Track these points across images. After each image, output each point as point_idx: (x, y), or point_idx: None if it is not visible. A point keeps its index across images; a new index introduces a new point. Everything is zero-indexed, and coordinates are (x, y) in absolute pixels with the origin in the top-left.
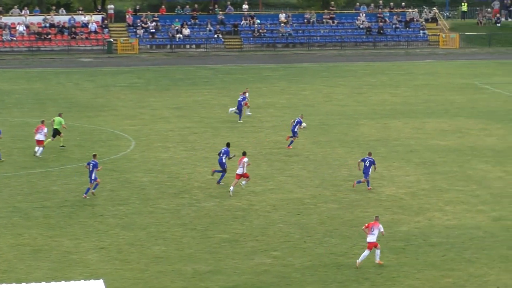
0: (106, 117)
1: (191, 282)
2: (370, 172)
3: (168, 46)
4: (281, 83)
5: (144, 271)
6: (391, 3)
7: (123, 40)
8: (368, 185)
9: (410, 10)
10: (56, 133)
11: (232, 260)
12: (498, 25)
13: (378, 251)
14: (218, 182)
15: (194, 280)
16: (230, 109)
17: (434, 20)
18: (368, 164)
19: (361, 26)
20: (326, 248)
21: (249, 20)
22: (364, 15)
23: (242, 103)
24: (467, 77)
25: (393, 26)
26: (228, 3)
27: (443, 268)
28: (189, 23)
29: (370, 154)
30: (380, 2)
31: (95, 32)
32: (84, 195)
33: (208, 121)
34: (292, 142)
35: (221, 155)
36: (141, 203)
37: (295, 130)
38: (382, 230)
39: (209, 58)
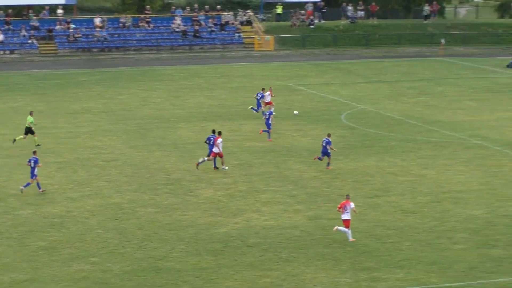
0: None
1: None
2: (329, 151)
3: None
4: (98, 88)
5: None
6: (206, 6)
7: None
8: (328, 165)
9: (225, 13)
10: (28, 131)
11: (50, 268)
12: (312, 27)
13: (343, 229)
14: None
15: None
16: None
17: (249, 23)
18: (324, 144)
19: (176, 29)
20: (145, 252)
21: (64, 25)
22: (179, 18)
23: (260, 101)
24: (282, 78)
25: (209, 29)
26: (46, 8)
27: (261, 268)
28: (3, 28)
29: (329, 135)
30: (196, 5)
31: None
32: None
33: (23, 128)
34: (269, 134)
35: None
36: None
37: (269, 122)
38: (353, 207)
39: (23, 64)
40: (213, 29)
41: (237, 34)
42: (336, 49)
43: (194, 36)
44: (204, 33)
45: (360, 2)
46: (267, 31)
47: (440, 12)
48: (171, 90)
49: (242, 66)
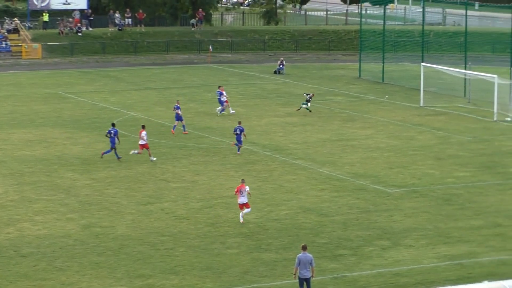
0: None
1: None
2: (242, 139)
3: None
4: None
5: None
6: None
7: None
8: (238, 150)
9: None
10: None
11: None
12: (80, 34)
13: (247, 210)
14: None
15: None
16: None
17: (16, 30)
18: (239, 132)
19: None
20: None
21: None
22: None
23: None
24: (51, 86)
25: None
26: None
27: (36, 278)
28: None
29: (240, 123)
30: None
31: None
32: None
33: None
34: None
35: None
36: None
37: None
38: (248, 190)
39: None
40: None
41: (4, 43)
42: (104, 56)
43: None
44: None
45: (128, 10)
46: (34, 39)
47: (207, 19)
48: None
49: (10, 74)
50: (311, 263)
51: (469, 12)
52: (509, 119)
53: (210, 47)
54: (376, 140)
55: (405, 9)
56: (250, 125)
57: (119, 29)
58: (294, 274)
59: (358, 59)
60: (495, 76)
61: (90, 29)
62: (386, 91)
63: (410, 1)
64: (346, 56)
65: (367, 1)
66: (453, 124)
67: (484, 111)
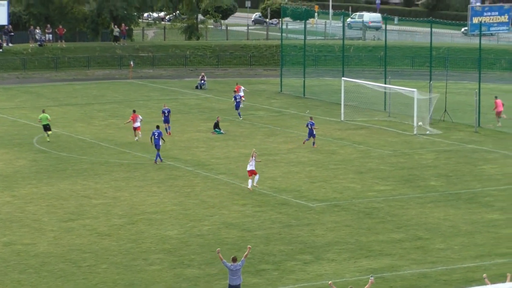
0: None
1: None
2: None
3: None
4: None
5: None
6: None
7: None
8: (313, 144)
9: None
10: (46, 128)
11: None
12: (0, 50)
13: (257, 177)
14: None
15: None
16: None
17: None
18: (310, 126)
19: None
20: None
21: None
22: None
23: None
24: None
25: None
26: None
27: None
28: None
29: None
30: None
31: None
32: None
33: None
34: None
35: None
36: None
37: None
38: (255, 158)
39: None
40: None
41: None
42: (25, 72)
43: None
44: None
45: (48, 25)
46: None
47: (129, 35)
48: None
49: None
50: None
51: (389, 27)
52: (428, 132)
53: (132, 63)
54: (298, 155)
55: (325, 24)
56: (172, 140)
57: (39, 45)
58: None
59: (280, 74)
60: (415, 90)
61: (11, 45)
62: (308, 106)
63: (330, 16)
64: (268, 71)
65: (287, 16)
66: (374, 138)
67: (404, 125)
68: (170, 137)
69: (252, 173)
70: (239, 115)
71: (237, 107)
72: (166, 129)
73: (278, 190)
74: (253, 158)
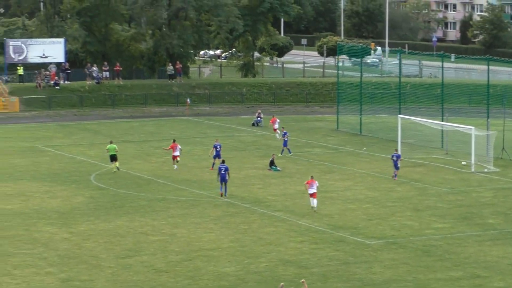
0: None
1: None
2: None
3: None
4: None
5: None
6: None
7: None
8: (395, 177)
9: None
10: (113, 158)
11: None
12: (57, 88)
13: (315, 200)
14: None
15: None
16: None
17: None
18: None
19: None
20: None
21: None
22: None
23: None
24: (28, 140)
25: None
26: None
27: None
28: None
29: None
30: None
31: None
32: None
33: None
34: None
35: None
36: None
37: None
38: (317, 184)
39: None
40: None
41: None
42: (82, 109)
43: None
44: None
45: (105, 63)
46: (12, 92)
47: (185, 72)
48: None
49: None
50: None
51: (445, 64)
52: (486, 170)
53: (188, 100)
54: (355, 192)
55: (381, 61)
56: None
57: (96, 82)
58: None
59: (336, 111)
60: (472, 127)
61: (68, 82)
62: (364, 143)
63: (386, 54)
64: (324, 108)
65: (344, 54)
66: (431, 176)
67: (461, 163)
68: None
69: (313, 196)
70: (289, 151)
71: (285, 144)
72: (213, 164)
73: (335, 227)
74: (315, 182)
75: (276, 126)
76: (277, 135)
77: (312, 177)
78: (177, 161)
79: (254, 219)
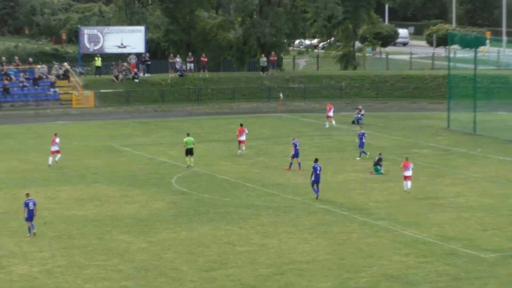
0: None
1: None
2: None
3: None
4: None
5: None
6: (16, 58)
7: None
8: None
9: (38, 66)
10: (189, 152)
11: None
12: (136, 81)
13: (409, 183)
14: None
15: None
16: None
17: (65, 76)
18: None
19: None
20: None
21: None
22: None
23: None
24: (104, 139)
25: (20, 84)
26: None
27: None
28: None
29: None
30: (3, 58)
31: None
32: None
33: None
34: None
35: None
36: None
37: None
38: (412, 166)
39: None
40: (25, 84)
41: (52, 90)
42: (164, 105)
43: (5, 92)
44: (15, 88)
45: (190, 54)
46: (86, 86)
47: (278, 64)
48: None
49: (59, 125)
50: None
51: None
52: None
53: (281, 95)
54: (468, 199)
55: (498, 52)
56: (326, 181)
57: (180, 75)
58: None
59: (447, 108)
60: None
61: (148, 75)
62: (479, 144)
63: (504, 43)
64: (433, 105)
65: (455, 44)
66: None
67: None
68: (323, 177)
69: (408, 178)
70: (365, 153)
71: (361, 145)
72: (297, 163)
73: (445, 239)
74: (411, 164)
75: (331, 113)
76: (327, 123)
77: (407, 158)
78: (243, 146)
79: (354, 229)
